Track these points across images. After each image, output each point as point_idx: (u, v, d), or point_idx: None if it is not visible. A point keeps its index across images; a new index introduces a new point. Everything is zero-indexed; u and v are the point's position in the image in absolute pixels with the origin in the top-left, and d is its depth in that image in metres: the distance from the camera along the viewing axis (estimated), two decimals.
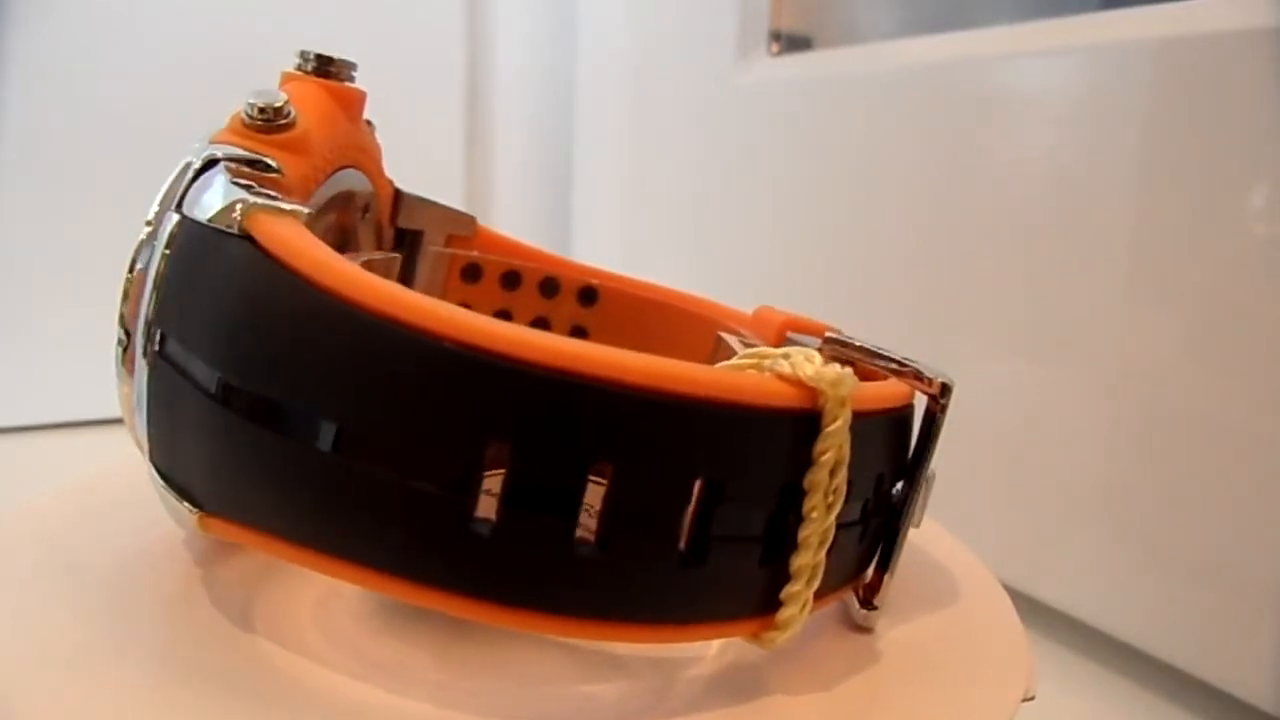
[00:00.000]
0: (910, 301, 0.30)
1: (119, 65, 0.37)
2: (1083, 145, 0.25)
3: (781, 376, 0.12)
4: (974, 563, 0.18)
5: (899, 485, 0.15)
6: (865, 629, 0.15)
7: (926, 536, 0.19)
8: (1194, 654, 0.24)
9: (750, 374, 0.12)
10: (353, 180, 0.17)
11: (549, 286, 0.23)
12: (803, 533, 0.12)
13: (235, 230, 0.12)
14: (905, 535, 0.15)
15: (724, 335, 0.19)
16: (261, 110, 0.15)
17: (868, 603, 0.15)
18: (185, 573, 0.15)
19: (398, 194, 0.20)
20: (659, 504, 0.11)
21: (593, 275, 0.23)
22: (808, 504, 0.12)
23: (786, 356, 0.12)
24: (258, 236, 0.12)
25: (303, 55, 0.16)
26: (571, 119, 0.47)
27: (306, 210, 0.13)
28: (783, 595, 0.12)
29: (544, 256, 0.23)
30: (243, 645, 0.13)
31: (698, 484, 0.11)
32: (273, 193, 0.13)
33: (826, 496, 0.12)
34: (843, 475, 0.12)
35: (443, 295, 0.22)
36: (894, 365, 0.16)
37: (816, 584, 0.13)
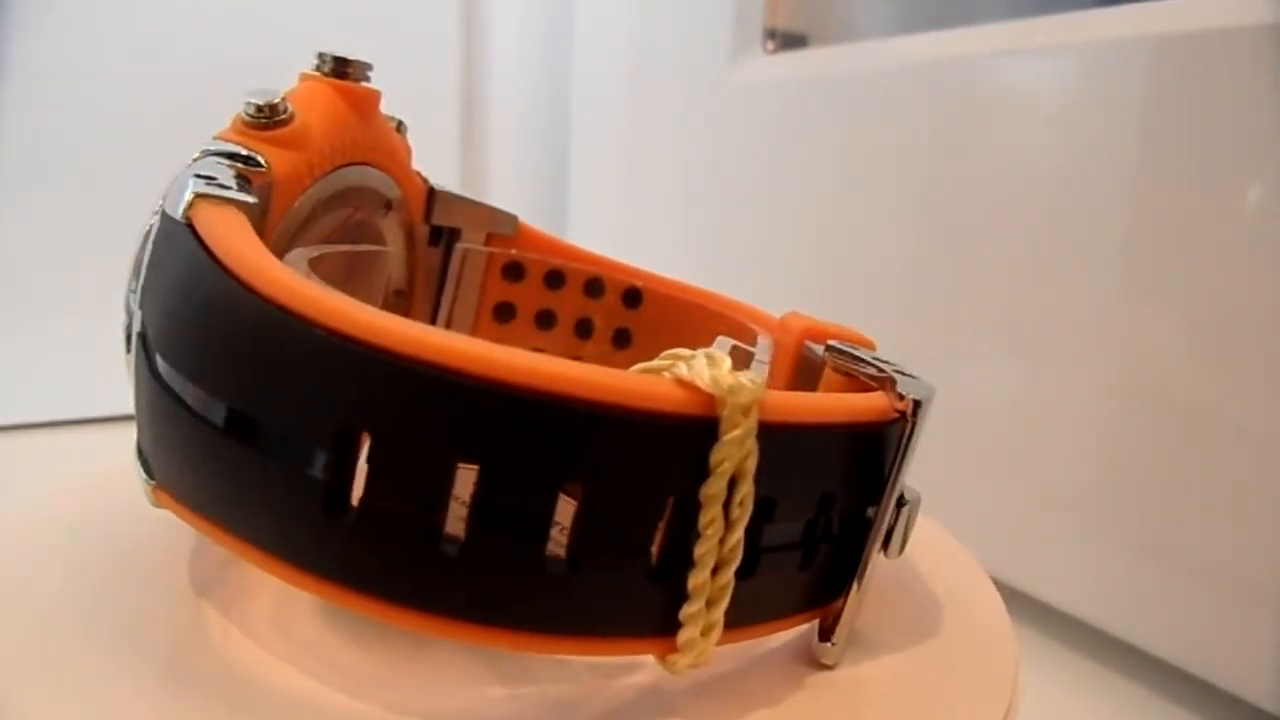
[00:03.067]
0: (905, 298, 0.31)
1: (119, 66, 0.37)
2: (1079, 142, 0.25)
3: (679, 381, 0.11)
4: (974, 572, 0.17)
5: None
6: (823, 665, 0.14)
7: (928, 542, 0.19)
8: (1194, 652, 0.24)
9: (642, 376, 0.11)
10: (366, 177, 0.18)
11: (594, 287, 0.23)
12: (698, 549, 0.11)
13: (182, 219, 0.13)
14: (868, 563, 0.13)
15: (720, 338, 0.18)
16: (259, 109, 0.15)
17: (825, 635, 0.14)
18: (170, 562, 0.15)
19: (432, 191, 0.21)
20: (524, 504, 0.11)
21: (636, 276, 0.23)
22: (703, 518, 0.11)
23: (690, 360, 0.11)
24: (196, 224, 0.13)
25: (320, 56, 0.17)
26: (568, 115, 0.47)
27: (252, 201, 0.13)
28: (681, 616, 0.11)
29: (588, 256, 0.23)
30: (195, 630, 0.14)
31: (578, 489, 0.11)
32: (230, 185, 0.14)
33: (731, 511, 0.11)
34: (748, 489, 0.11)
35: (482, 293, 0.22)
36: (873, 374, 0.15)
37: (723, 605, 0.12)
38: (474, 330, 0.22)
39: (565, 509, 0.11)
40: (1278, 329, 0.21)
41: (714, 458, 0.11)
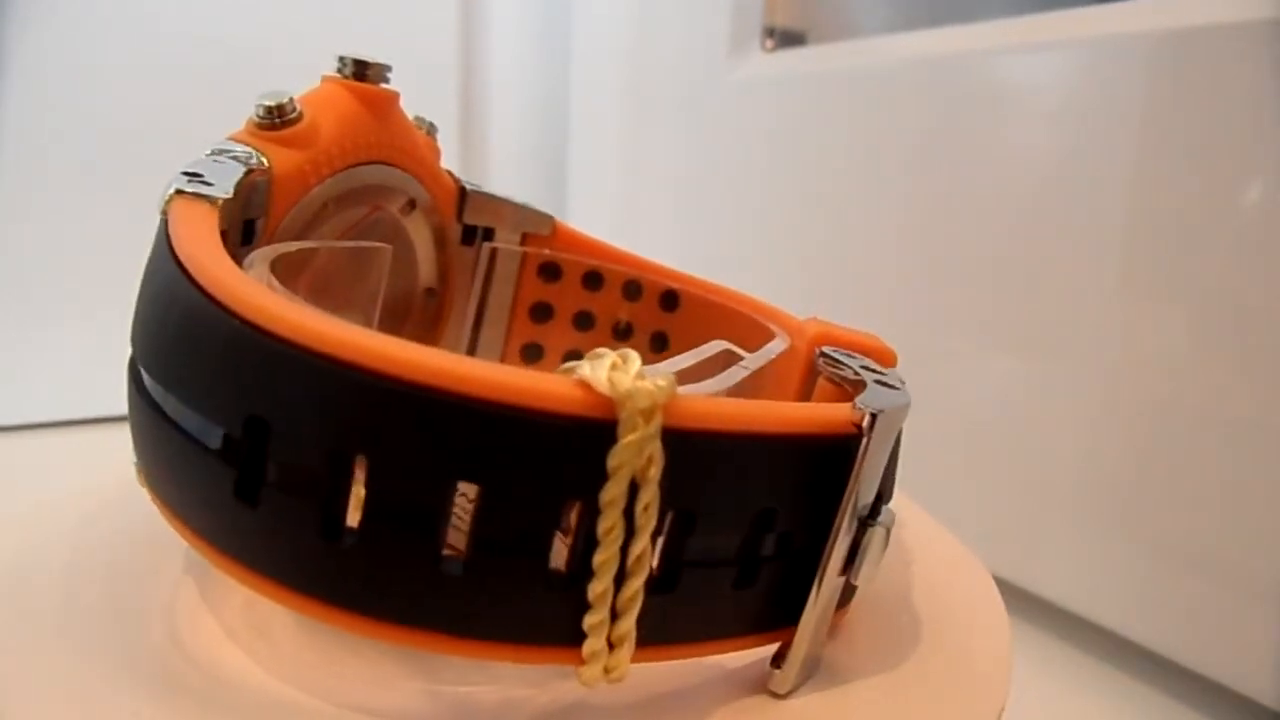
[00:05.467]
0: (904, 295, 0.31)
1: (120, 65, 0.37)
2: (1078, 140, 0.25)
3: (581, 382, 0.11)
4: (978, 583, 0.16)
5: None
6: (772, 692, 0.13)
7: (929, 542, 0.18)
8: (1195, 648, 0.24)
9: (541, 375, 0.11)
10: (384, 176, 0.18)
11: (632, 289, 0.23)
12: (597, 557, 0.11)
13: (161, 213, 0.14)
14: (821, 588, 0.12)
15: (715, 341, 0.17)
16: (268, 109, 0.16)
17: (777, 661, 0.13)
18: (161, 555, 0.16)
19: (463, 191, 0.21)
20: (415, 501, 0.10)
21: (673, 279, 0.22)
22: (602, 524, 0.11)
23: (599, 359, 0.11)
24: (168, 218, 0.13)
25: (341, 60, 0.18)
26: (566, 114, 0.47)
27: (223, 197, 0.14)
28: (584, 626, 0.11)
29: (625, 257, 0.23)
30: (166, 620, 0.14)
31: (475, 489, 0.11)
32: (212, 181, 0.14)
33: (635, 519, 0.11)
34: (651, 495, 0.11)
35: (517, 292, 0.22)
36: (849, 381, 0.14)
37: (631, 618, 0.11)
38: (509, 330, 0.23)
39: None
40: (1278, 325, 0.21)
41: (611, 462, 0.10)
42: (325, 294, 0.17)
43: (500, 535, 0.11)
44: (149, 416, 0.12)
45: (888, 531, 0.13)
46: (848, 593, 0.14)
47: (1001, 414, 0.28)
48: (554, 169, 0.49)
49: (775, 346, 0.17)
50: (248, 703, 0.12)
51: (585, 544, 0.11)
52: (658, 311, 0.23)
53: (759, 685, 0.13)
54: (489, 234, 0.22)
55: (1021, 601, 0.21)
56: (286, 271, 0.16)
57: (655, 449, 0.10)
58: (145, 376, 0.12)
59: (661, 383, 0.11)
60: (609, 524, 0.11)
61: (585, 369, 0.11)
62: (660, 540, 0.12)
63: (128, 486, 0.14)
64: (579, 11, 0.48)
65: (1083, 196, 0.25)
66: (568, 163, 0.49)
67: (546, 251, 0.22)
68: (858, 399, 0.12)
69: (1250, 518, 0.22)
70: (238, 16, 0.39)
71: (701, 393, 0.13)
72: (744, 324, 0.21)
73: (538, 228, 0.22)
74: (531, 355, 0.23)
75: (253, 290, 0.11)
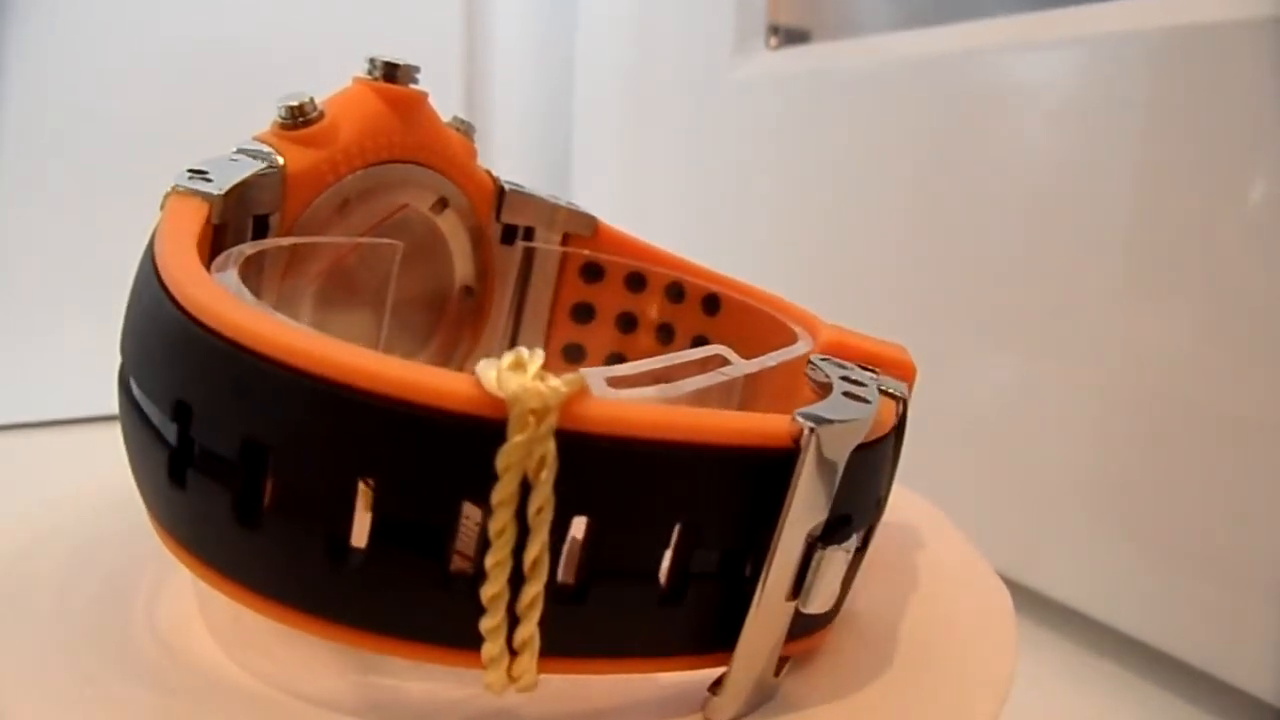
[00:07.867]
0: (907, 293, 0.31)
1: (120, 66, 0.37)
2: (1081, 138, 0.25)
3: (476, 380, 0.10)
4: (985, 592, 0.16)
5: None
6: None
7: (950, 566, 0.18)
8: (1196, 645, 0.24)
9: (437, 372, 0.10)
10: (411, 174, 0.19)
11: (674, 291, 0.22)
12: (489, 559, 0.10)
13: (159, 208, 0.14)
14: (759, 613, 0.12)
15: (715, 345, 0.16)
16: (289, 110, 0.17)
17: (713, 687, 0.12)
18: (153, 561, 0.16)
19: (501, 190, 0.21)
20: (316, 492, 0.10)
21: (715, 282, 0.22)
22: (493, 526, 0.10)
23: (498, 359, 0.10)
24: (161, 213, 0.14)
25: (371, 62, 0.18)
26: (570, 112, 0.47)
27: (217, 194, 0.14)
28: (481, 629, 0.11)
29: (668, 259, 0.22)
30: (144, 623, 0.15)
31: (374, 483, 0.11)
32: (212, 179, 0.15)
33: (526, 522, 0.10)
34: (544, 498, 0.10)
35: (557, 292, 0.22)
36: (821, 388, 0.13)
37: (531, 623, 0.11)
38: (549, 330, 0.22)
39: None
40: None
41: (500, 462, 0.10)
42: (337, 289, 0.18)
43: (396, 531, 0.10)
44: (124, 407, 0.13)
45: (849, 555, 0.12)
46: (811, 620, 0.13)
47: (1005, 411, 0.28)
48: (557, 168, 0.50)
49: (777, 354, 0.16)
50: (196, 687, 0.13)
51: (483, 546, 0.11)
52: (700, 315, 0.22)
53: (698, 710, 0.12)
54: (530, 233, 0.22)
55: (1023, 598, 0.21)
56: (294, 267, 0.17)
57: (548, 451, 0.10)
58: (128, 373, 0.13)
59: (556, 384, 0.10)
60: (500, 525, 0.10)
61: (481, 366, 0.10)
62: (575, 550, 0.11)
63: (126, 486, 0.14)
64: (582, 10, 0.48)
65: (1086, 194, 0.24)
66: (571, 161, 0.50)
67: (586, 252, 0.22)
68: (798, 410, 0.11)
69: (1252, 515, 0.22)
70: (240, 17, 0.39)
71: (650, 397, 0.12)
72: (780, 330, 0.20)
73: (580, 228, 0.22)
74: (573, 356, 0.23)
75: (191, 280, 0.11)
